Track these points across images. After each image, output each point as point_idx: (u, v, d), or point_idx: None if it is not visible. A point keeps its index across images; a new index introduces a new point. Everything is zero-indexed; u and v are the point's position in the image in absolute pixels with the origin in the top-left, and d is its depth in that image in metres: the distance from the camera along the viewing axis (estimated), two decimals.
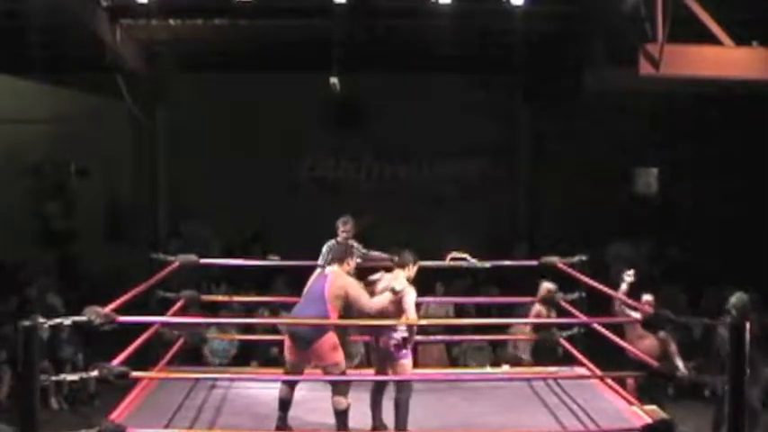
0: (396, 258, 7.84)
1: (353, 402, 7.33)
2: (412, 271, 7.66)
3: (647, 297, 9.57)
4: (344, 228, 8.88)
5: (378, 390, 7.62)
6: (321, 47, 13.53)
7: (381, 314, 7.42)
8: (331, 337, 7.27)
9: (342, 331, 7.64)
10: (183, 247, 11.39)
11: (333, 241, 8.86)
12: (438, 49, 13.95)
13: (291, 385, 7.46)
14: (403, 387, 7.42)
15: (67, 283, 14.41)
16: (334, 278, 7.40)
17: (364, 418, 7.53)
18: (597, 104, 14.33)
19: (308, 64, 14.51)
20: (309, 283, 7.70)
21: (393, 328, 7.40)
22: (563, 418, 7.88)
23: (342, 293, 7.31)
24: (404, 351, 7.42)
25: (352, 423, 7.33)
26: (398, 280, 7.50)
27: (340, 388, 7.26)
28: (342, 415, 7.26)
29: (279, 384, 7.57)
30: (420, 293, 12.17)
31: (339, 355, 7.32)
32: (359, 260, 8.67)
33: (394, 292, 7.37)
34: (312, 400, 7.98)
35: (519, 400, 8.46)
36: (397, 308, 7.41)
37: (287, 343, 7.44)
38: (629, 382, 9.08)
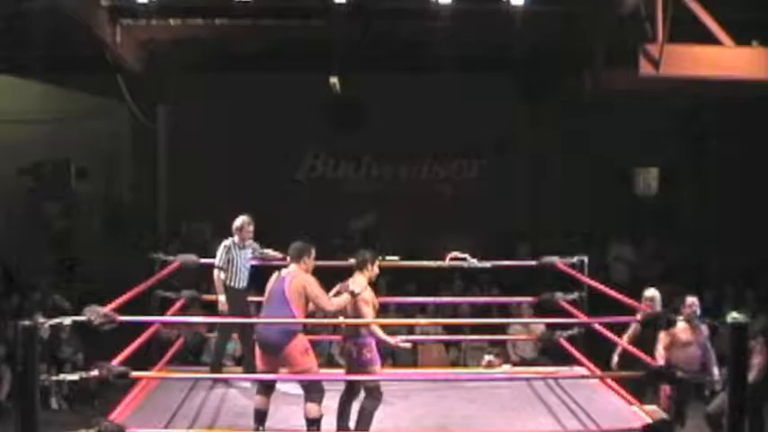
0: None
1: (356, 402, 7.32)
2: (372, 271, 7.43)
3: (650, 292, 9.33)
4: (249, 228, 8.90)
5: (347, 397, 7.44)
6: (321, 47, 13.54)
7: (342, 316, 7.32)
8: (301, 341, 7.13)
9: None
10: (183, 247, 11.39)
11: (230, 241, 8.88)
12: (438, 50, 13.95)
13: (268, 395, 7.35)
14: (370, 395, 7.22)
15: (68, 284, 14.41)
16: (291, 278, 7.22)
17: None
18: (597, 104, 14.33)
19: (308, 64, 14.52)
20: (269, 286, 7.41)
21: (357, 334, 7.24)
22: (563, 418, 7.88)
23: (301, 291, 7.12)
24: (368, 357, 7.22)
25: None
26: (356, 282, 7.30)
27: (312, 395, 7.11)
28: (313, 423, 7.10)
29: (279, 385, 7.57)
30: (425, 294, 12.35)
31: (310, 360, 7.18)
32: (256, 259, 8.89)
33: (353, 294, 7.21)
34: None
35: (519, 400, 8.46)
36: (356, 313, 7.24)
37: (257, 352, 7.31)
38: (663, 394, 8.90)
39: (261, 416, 7.35)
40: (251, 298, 9.06)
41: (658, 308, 8.88)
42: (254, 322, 7.50)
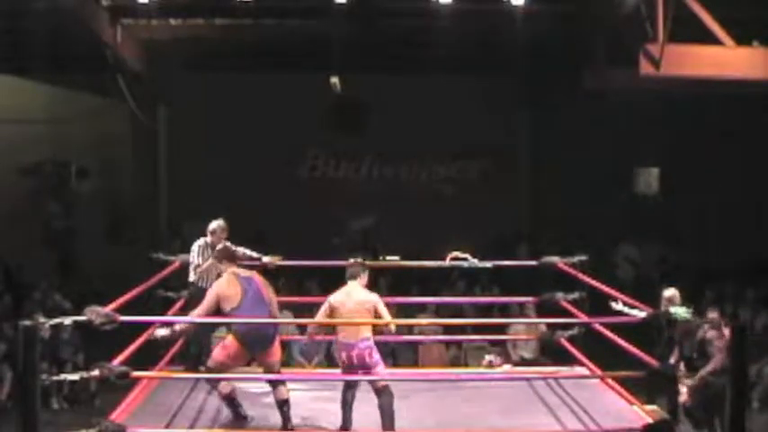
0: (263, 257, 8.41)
1: (356, 402, 7.33)
2: (364, 279, 7.58)
3: (669, 293, 9.23)
4: (222, 235, 8.96)
5: (348, 392, 7.51)
6: (321, 47, 13.55)
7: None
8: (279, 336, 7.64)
9: None
10: (183, 247, 11.39)
11: (203, 241, 8.91)
12: (438, 50, 13.96)
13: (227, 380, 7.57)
14: (383, 393, 7.33)
15: (68, 284, 14.40)
16: (261, 281, 7.58)
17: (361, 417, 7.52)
18: (597, 104, 14.33)
19: (308, 64, 14.53)
20: (231, 289, 7.46)
21: (363, 338, 7.33)
22: (563, 418, 7.87)
23: (273, 295, 7.61)
24: (376, 358, 7.37)
25: (356, 422, 7.35)
26: (356, 291, 7.45)
27: (283, 381, 7.50)
28: (285, 403, 7.37)
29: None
30: (426, 294, 12.33)
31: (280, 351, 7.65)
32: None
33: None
34: (310, 400, 8.01)
35: (519, 400, 8.45)
36: (369, 315, 7.36)
37: (235, 347, 7.38)
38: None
39: (233, 400, 7.56)
40: None
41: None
42: (276, 322, 7.57)
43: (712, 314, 9.17)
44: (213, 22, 13.45)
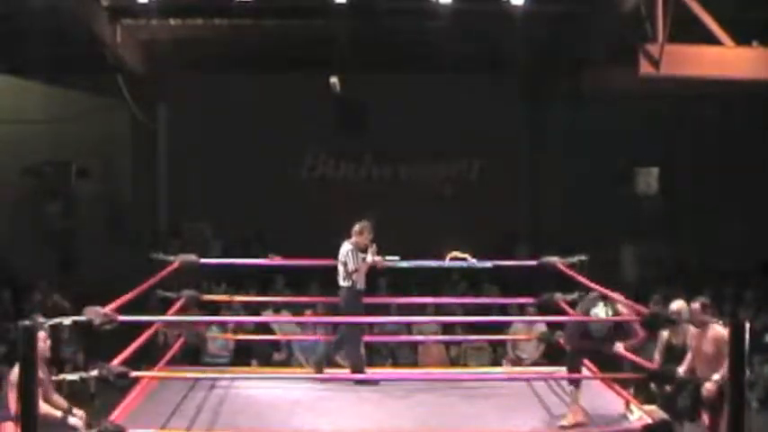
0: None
1: (356, 402, 7.35)
2: None
3: (677, 305, 9.14)
4: (369, 236, 9.00)
5: None
6: (321, 47, 13.55)
7: None
8: None
9: None
10: (183, 247, 11.39)
11: (349, 244, 8.92)
12: (438, 49, 13.96)
13: None
14: None
15: (68, 284, 14.40)
16: None
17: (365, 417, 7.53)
18: (597, 104, 14.33)
19: (308, 64, 14.53)
20: None
21: None
22: (563, 419, 7.87)
23: None
24: None
25: (356, 422, 7.35)
26: None
27: None
28: None
29: (279, 384, 7.60)
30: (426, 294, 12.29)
31: None
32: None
33: None
34: (312, 400, 8.02)
35: (519, 400, 8.46)
36: None
37: None
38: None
39: None
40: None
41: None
42: (276, 321, 7.51)
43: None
44: (213, 22, 13.45)
